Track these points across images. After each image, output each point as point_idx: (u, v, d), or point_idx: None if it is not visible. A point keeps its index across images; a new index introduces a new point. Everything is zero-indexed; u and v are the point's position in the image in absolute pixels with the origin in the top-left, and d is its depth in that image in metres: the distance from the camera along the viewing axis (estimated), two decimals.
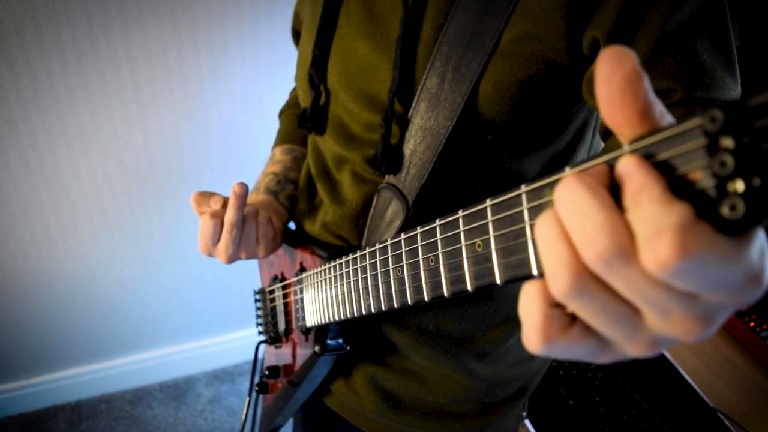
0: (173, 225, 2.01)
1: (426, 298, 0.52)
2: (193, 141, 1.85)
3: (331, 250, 0.85)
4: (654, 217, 0.27)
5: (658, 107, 0.30)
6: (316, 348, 0.81)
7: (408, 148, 0.72)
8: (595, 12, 0.60)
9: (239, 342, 2.40)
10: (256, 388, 1.04)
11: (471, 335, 0.84)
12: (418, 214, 0.73)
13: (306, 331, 0.86)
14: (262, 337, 1.05)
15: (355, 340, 0.85)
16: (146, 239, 2.00)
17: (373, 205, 0.78)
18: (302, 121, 0.84)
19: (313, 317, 0.82)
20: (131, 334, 2.22)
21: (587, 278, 0.30)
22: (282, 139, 1.06)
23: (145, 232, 1.99)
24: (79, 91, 1.63)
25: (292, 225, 1.01)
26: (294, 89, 1.12)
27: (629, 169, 0.29)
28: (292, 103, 1.11)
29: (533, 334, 0.32)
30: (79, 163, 1.75)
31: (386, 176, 0.75)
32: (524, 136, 0.70)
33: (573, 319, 0.33)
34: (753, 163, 0.26)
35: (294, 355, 0.93)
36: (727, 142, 0.26)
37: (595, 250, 0.29)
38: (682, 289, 0.28)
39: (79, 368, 2.23)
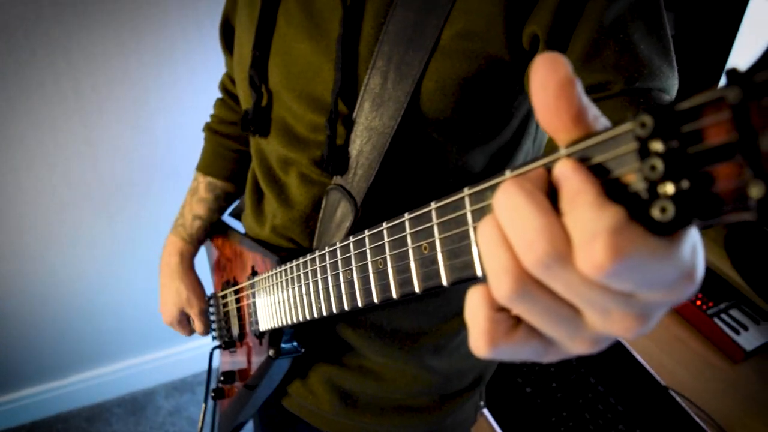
0: (124, 235, 1.96)
1: (376, 300, 0.52)
2: (140, 149, 1.82)
3: (282, 253, 0.85)
4: (588, 221, 0.28)
5: (592, 111, 0.31)
6: (271, 352, 0.80)
7: (354, 148, 0.72)
8: (534, 7, 0.60)
9: (197, 351, 2.36)
10: (212, 395, 1.03)
11: (425, 329, 0.85)
12: (367, 214, 0.74)
13: (260, 335, 0.85)
14: (217, 343, 1.04)
15: (310, 341, 0.84)
16: (97, 251, 1.95)
17: (323, 206, 0.78)
18: (245, 123, 0.84)
19: (266, 321, 0.82)
20: (86, 349, 2.16)
21: (529, 282, 0.30)
22: (207, 167, 1.06)
23: (96, 243, 1.94)
24: (18, 103, 1.58)
25: (240, 227, 1.01)
26: (217, 101, 1.10)
27: (565, 173, 0.30)
28: (217, 116, 1.09)
29: (479, 339, 0.33)
30: (20, 178, 1.70)
31: (334, 177, 0.75)
32: (469, 132, 0.70)
33: (518, 321, 0.33)
34: (682, 167, 0.27)
35: (249, 359, 0.92)
36: (657, 146, 0.27)
37: (534, 254, 0.29)
38: (619, 289, 0.29)
39: (33, 388, 2.16)
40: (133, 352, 2.27)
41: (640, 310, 0.30)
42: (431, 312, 0.84)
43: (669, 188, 0.27)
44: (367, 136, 0.70)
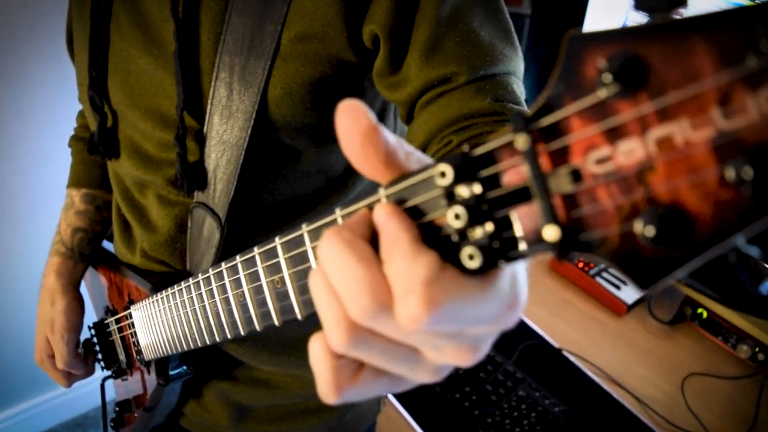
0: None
1: (242, 332, 0.51)
2: (3, 178, 1.70)
3: (155, 278, 0.82)
4: (403, 273, 0.28)
5: (403, 151, 0.32)
6: (160, 380, 0.79)
7: (210, 163, 0.70)
8: (369, 6, 0.60)
9: (97, 383, 2.24)
10: (111, 425, 0.99)
11: (311, 334, 0.85)
12: (234, 228, 0.72)
13: (146, 364, 0.83)
14: (107, 373, 1.00)
15: (199, 362, 0.83)
16: None
17: (189, 226, 0.75)
18: (91, 146, 0.79)
19: (149, 351, 0.79)
20: None
21: (360, 331, 0.30)
22: (78, 179, 0.99)
23: None
24: None
25: (111, 247, 0.96)
26: (79, 112, 1.04)
27: (381, 219, 0.30)
28: (83, 127, 1.03)
29: (325, 387, 0.33)
30: None
31: (196, 194, 0.73)
32: (323, 134, 0.70)
33: (361, 364, 0.33)
34: (484, 211, 0.28)
35: (144, 384, 0.89)
36: (461, 191, 0.28)
37: (356, 307, 0.29)
38: (445, 330, 0.29)
39: None
40: (28, 393, 2.10)
41: (470, 343, 0.31)
42: (315, 316, 0.84)
43: (475, 232, 0.28)
44: (221, 149, 0.68)
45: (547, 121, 0.26)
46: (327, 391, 0.33)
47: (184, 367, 0.80)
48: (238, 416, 0.88)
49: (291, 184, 0.73)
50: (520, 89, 0.62)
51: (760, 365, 1.27)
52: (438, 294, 0.27)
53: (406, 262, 0.28)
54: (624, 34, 0.23)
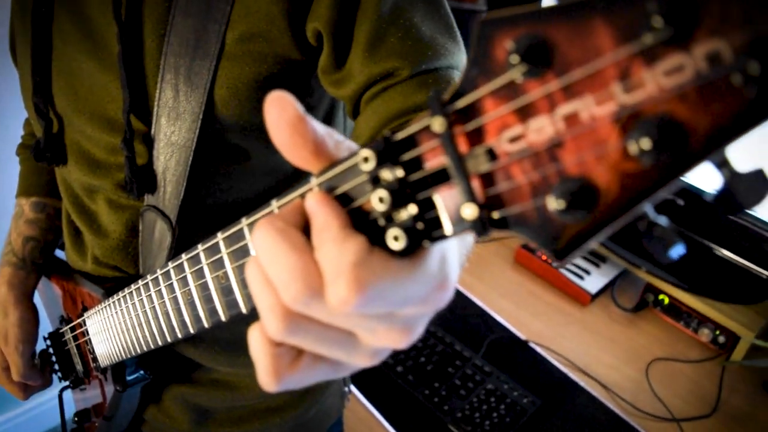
0: None
1: (192, 330, 0.52)
2: None
3: (108, 284, 0.81)
4: (333, 258, 0.29)
5: (332, 140, 0.33)
6: (117, 387, 0.78)
7: (159, 165, 0.69)
8: (312, 4, 0.60)
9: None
10: None
11: None
12: (185, 230, 0.72)
13: (103, 371, 0.82)
14: (65, 383, 0.98)
15: (156, 366, 0.82)
16: None
17: (140, 230, 0.75)
18: (38, 153, 0.78)
19: (105, 358, 0.78)
20: None
21: (295, 317, 0.31)
22: (27, 188, 0.98)
23: None
24: None
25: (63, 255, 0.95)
26: (26, 120, 1.02)
27: (312, 207, 0.31)
28: (30, 134, 1.01)
29: (265, 375, 0.33)
30: None
31: (146, 198, 0.72)
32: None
33: (300, 350, 0.34)
34: (407, 193, 0.29)
35: (103, 392, 0.88)
36: (386, 175, 0.29)
37: (289, 294, 0.30)
38: (375, 313, 0.30)
39: None
40: None
41: (402, 324, 0.32)
42: None
43: (400, 215, 0.29)
44: (169, 151, 0.68)
45: (461, 103, 0.26)
46: (267, 379, 0.33)
47: (141, 372, 0.80)
48: (198, 419, 0.88)
49: (242, 184, 0.73)
50: None
51: (720, 347, 1.30)
52: (365, 276, 0.28)
53: (334, 247, 0.29)
54: (530, 16, 0.24)
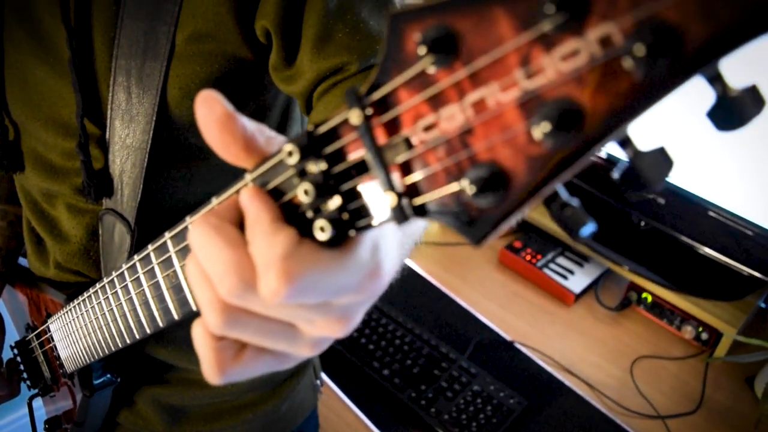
0: None
1: (148, 331, 0.52)
2: None
3: (70, 289, 0.81)
4: (263, 250, 0.30)
5: (263, 136, 0.33)
6: (85, 392, 0.78)
7: (116, 168, 0.70)
8: (259, 2, 0.61)
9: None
10: None
11: None
12: (144, 232, 0.72)
13: (70, 377, 0.82)
14: (34, 391, 0.98)
15: (125, 369, 0.82)
16: None
17: (100, 234, 0.75)
18: None
19: (71, 363, 0.79)
20: None
21: (233, 311, 0.32)
22: None
23: None
24: None
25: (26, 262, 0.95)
26: None
27: (245, 201, 0.32)
28: None
29: (209, 369, 0.34)
30: None
31: (104, 201, 0.73)
32: None
33: (243, 343, 0.35)
34: (331, 185, 0.29)
35: (73, 398, 0.88)
36: (311, 168, 0.30)
37: (225, 287, 0.30)
38: (310, 302, 0.31)
39: None
40: None
41: (339, 313, 0.33)
42: None
43: (326, 206, 0.30)
44: (125, 154, 0.68)
45: (377, 95, 0.27)
46: (210, 372, 0.34)
47: (108, 376, 0.80)
48: (172, 419, 0.88)
49: (201, 183, 0.74)
50: None
51: (704, 344, 1.30)
52: (295, 267, 0.29)
53: (265, 240, 0.30)
54: (436, 8, 0.24)
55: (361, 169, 0.29)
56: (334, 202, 0.30)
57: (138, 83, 0.65)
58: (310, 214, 0.31)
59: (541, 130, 0.22)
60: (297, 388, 0.96)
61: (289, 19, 0.60)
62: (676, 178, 1.27)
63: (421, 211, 0.28)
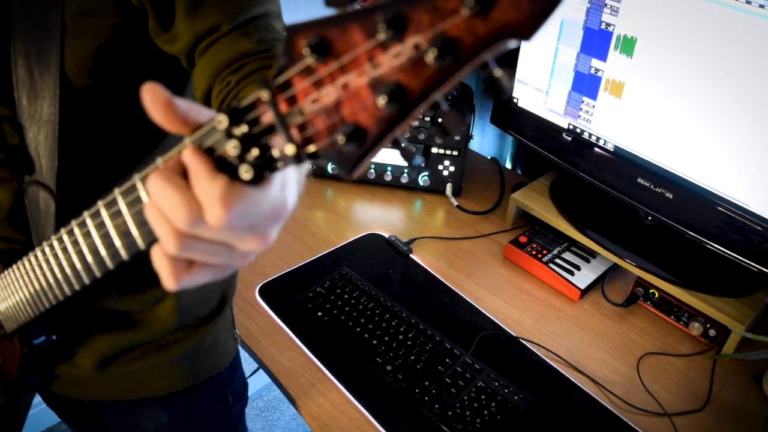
0: None
1: (97, 274, 0.60)
2: None
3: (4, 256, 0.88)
4: (207, 191, 0.41)
5: (194, 111, 0.44)
6: (24, 349, 0.87)
7: (31, 142, 0.77)
8: None
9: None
10: None
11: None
12: (66, 197, 0.80)
13: (8, 337, 0.88)
14: None
15: (61, 327, 0.92)
16: None
17: (26, 203, 0.82)
18: None
19: (10, 323, 0.85)
20: None
21: (186, 237, 0.43)
22: None
23: None
24: None
25: None
26: None
27: (187, 158, 0.42)
28: None
29: (166, 279, 0.46)
30: None
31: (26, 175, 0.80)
32: (130, 96, 0.75)
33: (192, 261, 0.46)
34: (251, 141, 0.41)
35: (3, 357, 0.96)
36: (236, 131, 0.41)
37: (180, 220, 0.42)
38: (242, 226, 0.43)
39: None
40: None
41: (261, 232, 0.45)
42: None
43: (247, 156, 0.41)
44: (36, 128, 0.76)
45: (280, 80, 0.39)
46: (168, 281, 0.45)
47: (46, 336, 0.89)
48: (102, 364, 0.97)
49: (117, 146, 0.82)
50: (280, 25, 0.75)
51: (711, 341, 1.29)
52: (230, 200, 0.40)
53: (207, 185, 0.41)
54: (315, 23, 0.36)
55: (270, 129, 0.40)
56: (254, 153, 0.41)
57: (37, 63, 0.72)
58: (236, 163, 0.42)
59: (382, 100, 0.35)
60: (218, 322, 1.07)
61: None
62: (684, 171, 1.25)
63: (312, 156, 0.40)
